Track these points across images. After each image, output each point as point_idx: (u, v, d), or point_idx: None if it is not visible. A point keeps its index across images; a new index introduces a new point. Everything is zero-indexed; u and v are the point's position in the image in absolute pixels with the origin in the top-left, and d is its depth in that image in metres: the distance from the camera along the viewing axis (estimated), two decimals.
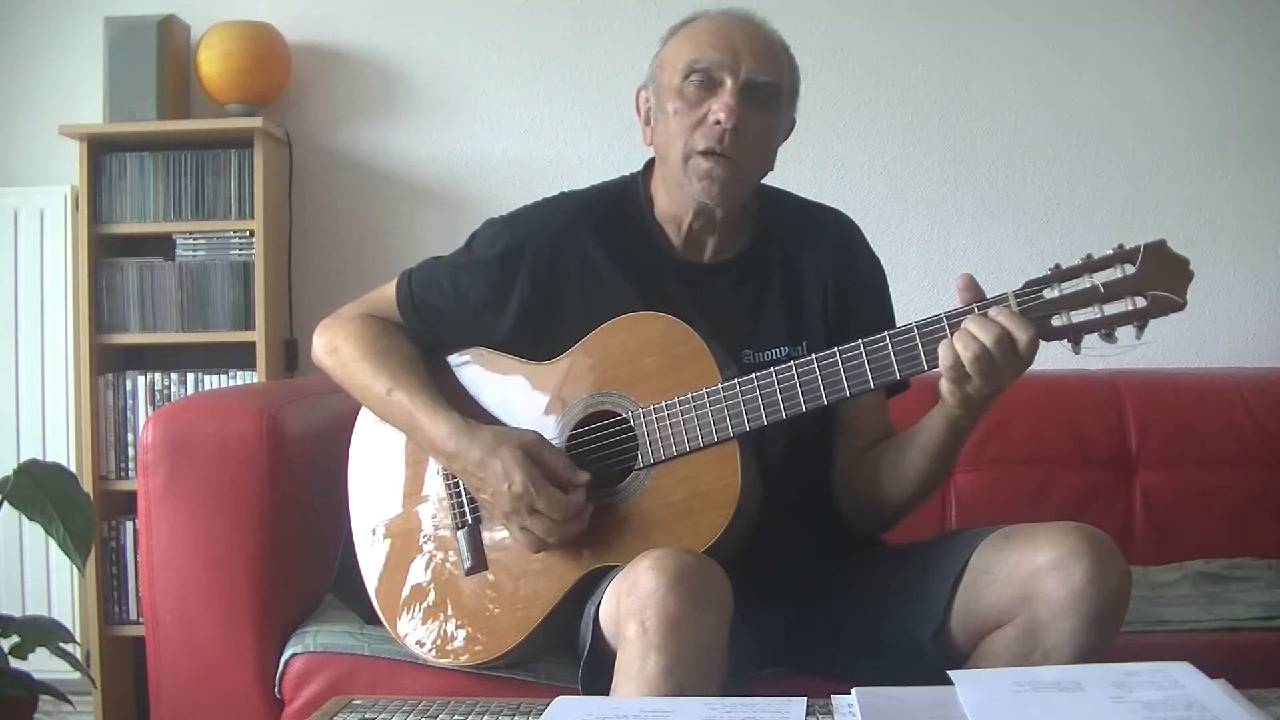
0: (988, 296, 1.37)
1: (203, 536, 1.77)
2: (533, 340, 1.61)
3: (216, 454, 1.77)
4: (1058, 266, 1.34)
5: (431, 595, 1.62)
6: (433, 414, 1.56)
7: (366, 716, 1.27)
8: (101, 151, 2.66)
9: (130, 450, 2.63)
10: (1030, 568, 1.34)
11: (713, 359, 1.49)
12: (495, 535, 1.58)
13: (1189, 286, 1.31)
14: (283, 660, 1.74)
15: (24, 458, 2.25)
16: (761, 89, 1.53)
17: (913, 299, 2.39)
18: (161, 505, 1.77)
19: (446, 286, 1.66)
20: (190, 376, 2.65)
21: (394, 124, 2.85)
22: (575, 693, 1.41)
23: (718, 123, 1.51)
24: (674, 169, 1.57)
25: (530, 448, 1.50)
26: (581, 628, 1.47)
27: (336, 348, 1.67)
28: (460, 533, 1.60)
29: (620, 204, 1.66)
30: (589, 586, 1.48)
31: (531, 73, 2.82)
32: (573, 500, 1.48)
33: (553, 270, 1.62)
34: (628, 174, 1.70)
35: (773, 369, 1.45)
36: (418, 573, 1.64)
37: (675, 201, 1.60)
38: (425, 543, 1.64)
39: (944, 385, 1.37)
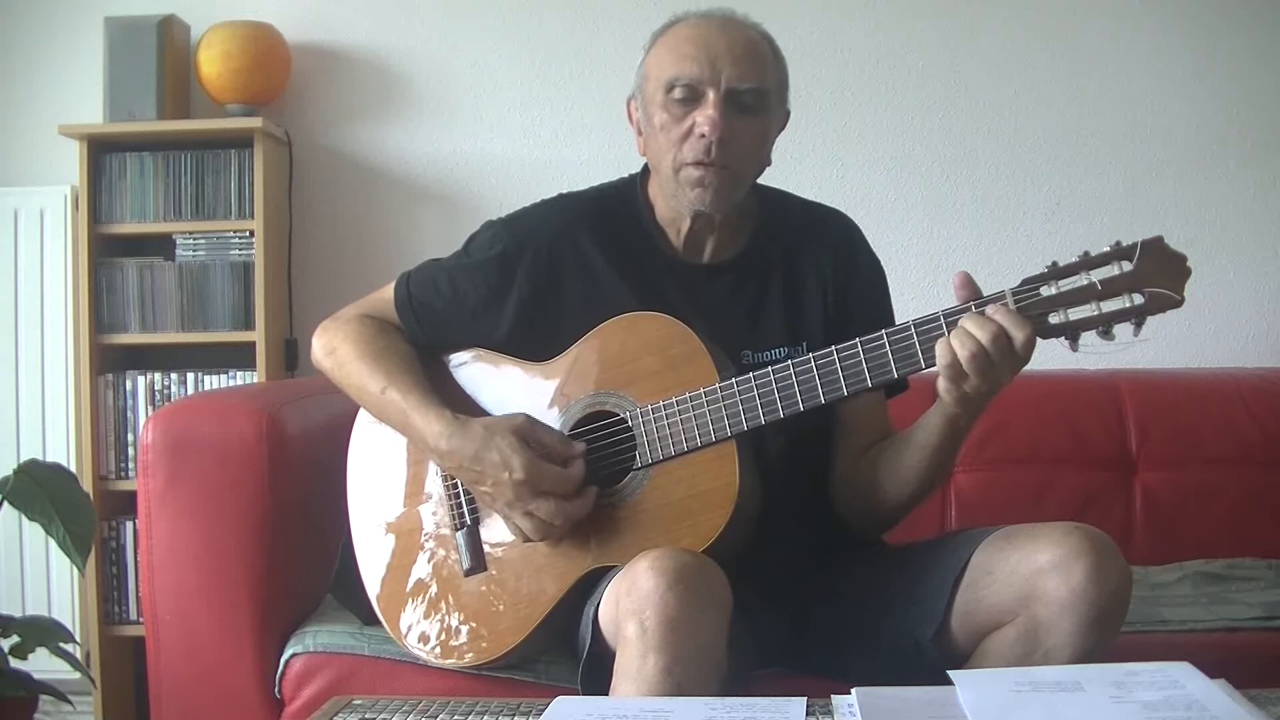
0: (985, 294, 1.37)
1: (203, 536, 1.77)
2: (531, 342, 1.61)
3: (216, 454, 1.77)
4: (1055, 264, 1.34)
5: (432, 596, 1.62)
6: (425, 412, 1.56)
7: (366, 716, 1.27)
8: (101, 151, 2.66)
9: (130, 450, 2.63)
10: (1031, 568, 1.34)
11: (711, 359, 1.49)
12: (494, 536, 1.58)
13: (1187, 284, 1.31)
14: (283, 660, 1.74)
15: (24, 458, 2.25)
16: (745, 96, 1.53)
17: (913, 299, 2.39)
18: (161, 505, 1.77)
19: (445, 288, 1.66)
20: (190, 376, 2.65)
21: (394, 124, 2.85)
22: (575, 693, 1.41)
23: (703, 136, 1.51)
24: (667, 181, 1.57)
25: (522, 431, 1.50)
26: (581, 628, 1.46)
27: (334, 349, 1.67)
28: (459, 534, 1.60)
29: (619, 205, 1.66)
30: (588, 587, 1.48)
31: (531, 73, 2.83)
32: (573, 473, 1.48)
33: (551, 272, 1.62)
34: (627, 175, 1.70)
35: (770, 369, 1.45)
36: (418, 574, 1.64)
37: (672, 208, 1.60)
38: (425, 544, 1.64)
39: (941, 384, 1.37)
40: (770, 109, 1.57)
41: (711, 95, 1.51)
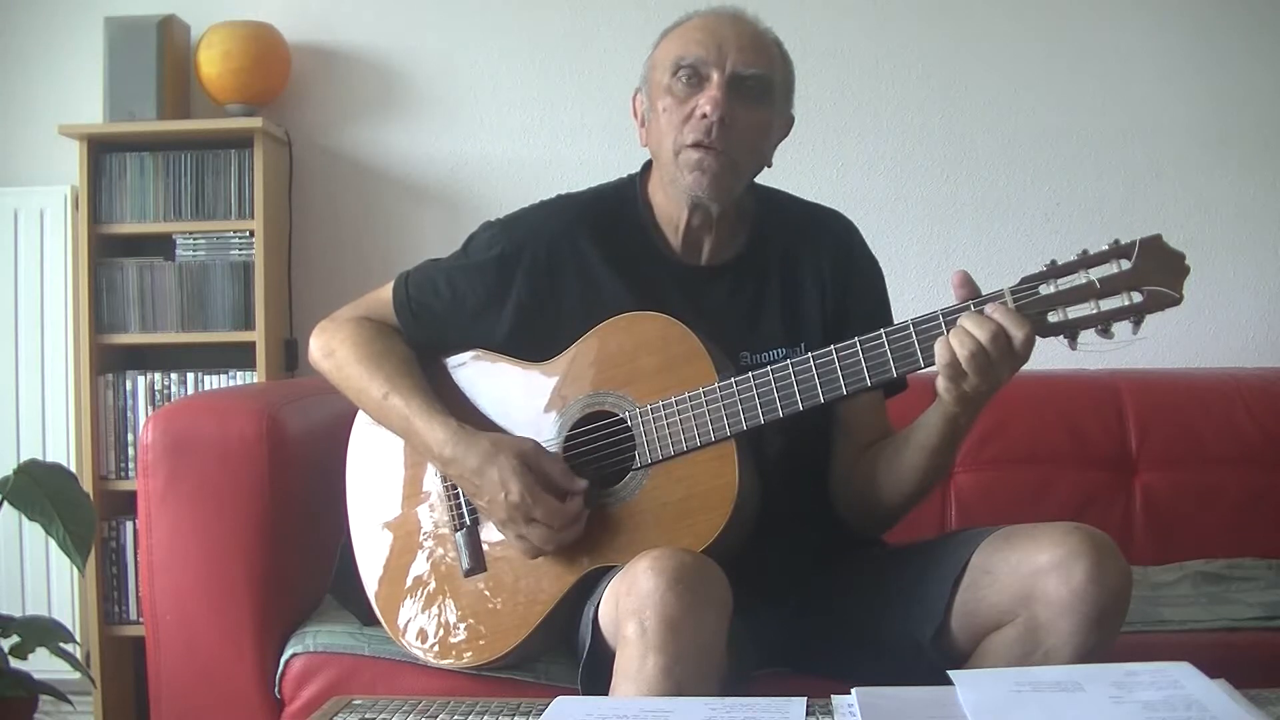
0: (984, 293, 1.37)
1: (203, 536, 1.77)
2: (530, 343, 1.61)
3: (216, 454, 1.77)
4: (1054, 263, 1.34)
5: (431, 596, 1.62)
6: (429, 419, 1.56)
7: (366, 716, 1.27)
8: (101, 151, 2.66)
9: (130, 450, 2.63)
10: (1031, 568, 1.34)
11: (710, 358, 1.49)
12: (494, 536, 1.58)
13: (1185, 282, 1.31)
14: (283, 660, 1.74)
15: (24, 458, 2.25)
16: (749, 81, 1.53)
17: (912, 298, 2.39)
18: (161, 505, 1.77)
19: (443, 290, 1.66)
20: (190, 376, 2.65)
21: (394, 124, 2.85)
22: (575, 693, 1.41)
23: (704, 116, 1.51)
24: (666, 165, 1.57)
25: (527, 456, 1.50)
26: (581, 628, 1.46)
27: (333, 350, 1.67)
28: (459, 534, 1.60)
29: (618, 206, 1.65)
30: (588, 587, 1.48)
31: (531, 73, 2.83)
32: (569, 509, 1.48)
33: (549, 274, 1.62)
34: (625, 176, 1.69)
35: (769, 368, 1.45)
36: (417, 574, 1.64)
37: (671, 200, 1.60)
38: (424, 543, 1.64)
39: (941, 383, 1.37)
40: (774, 102, 1.57)
41: (716, 77, 1.52)
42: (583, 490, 1.49)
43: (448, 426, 1.55)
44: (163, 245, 2.67)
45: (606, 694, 1.31)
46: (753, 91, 1.54)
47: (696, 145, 1.52)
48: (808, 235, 1.65)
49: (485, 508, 1.52)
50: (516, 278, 1.62)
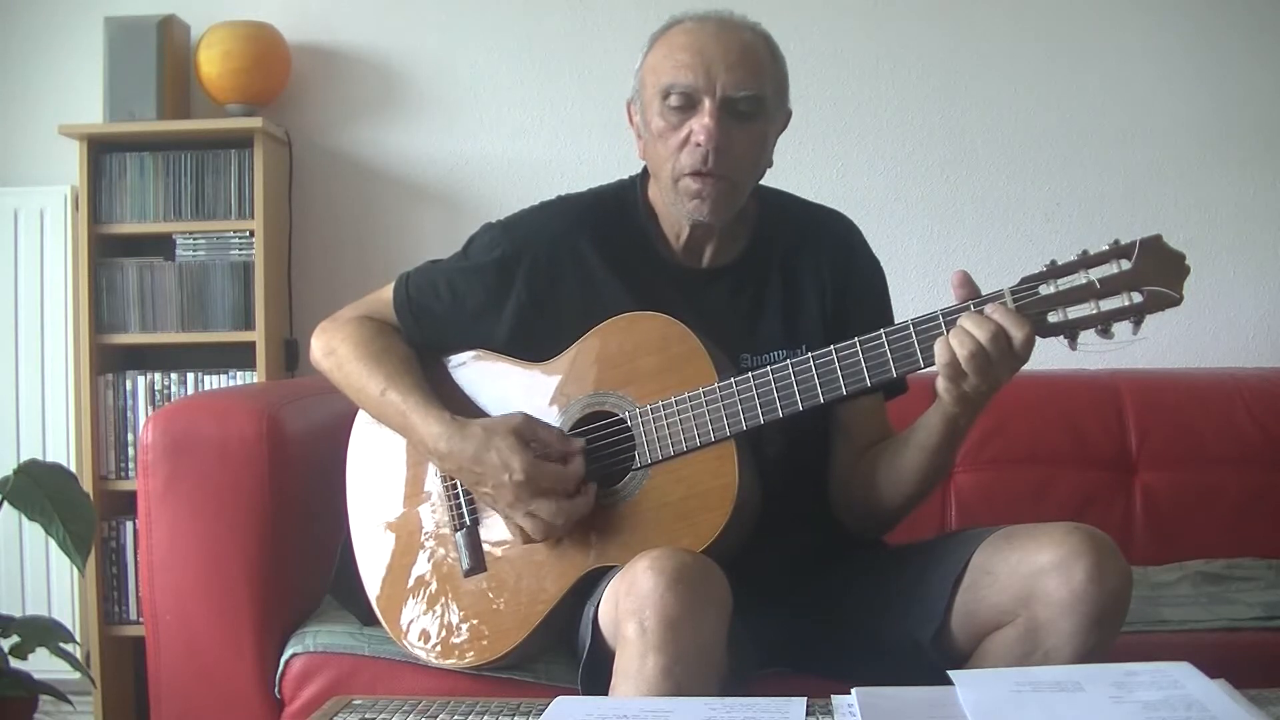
0: (984, 293, 1.37)
1: (203, 536, 1.77)
2: (529, 345, 1.61)
3: (216, 454, 1.77)
4: (1053, 263, 1.34)
5: (432, 597, 1.62)
6: (424, 414, 1.56)
7: (366, 716, 1.27)
8: (101, 151, 2.66)
9: (130, 450, 2.63)
10: (1031, 568, 1.34)
11: (710, 358, 1.48)
12: (494, 536, 1.58)
13: (1185, 282, 1.31)
14: (283, 660, 1.74)
15: (24, 458, 2.25)
16: (741, 103, 1.51)
17: (913, 299, 2.39)
18: (161, 505, 1.77)
19: (444, 291, 1.66)
20: (190, 376, 2.65)
21: (394, 124, 2.85)
22: (575, 693, 1.41)
23: (699, 145, 1.50)
24: (666, 189, 1.57)
25: (521, 430, 1.50)
26: (581, 628, 1.46)
27: (333, 349, 1.67)
28: (459, 534, 1.60)
29: (618, 209, 1.65)
30: (588, 587, 1.48)
31: (531, 73, 2.83)
32: (573, 470, 1.48)
33: (550, 277, 1.61)
34: (626, 178, 1.69)
35: (769, 368, 1.45)
36: (418, 575, 1.64)
37: (672, 214, 1.60)
38: (425, 544, 1.64)
39: (940, 383, 1.37)
40: (768, 114, 1.56)
41: (707, 103, 1.50)
42: (581, 449, 1.50)
43: (442, 420, 1.55)
44: (163, 245, 2.67)
45: (606, 694, 1.31)
46: (746, 111, 1.52)
47: (695, 174, 1.51)
48: (808, 236, 1.65)
49: (490, 494, 1.52)
50: (517, 279, 1.62)
